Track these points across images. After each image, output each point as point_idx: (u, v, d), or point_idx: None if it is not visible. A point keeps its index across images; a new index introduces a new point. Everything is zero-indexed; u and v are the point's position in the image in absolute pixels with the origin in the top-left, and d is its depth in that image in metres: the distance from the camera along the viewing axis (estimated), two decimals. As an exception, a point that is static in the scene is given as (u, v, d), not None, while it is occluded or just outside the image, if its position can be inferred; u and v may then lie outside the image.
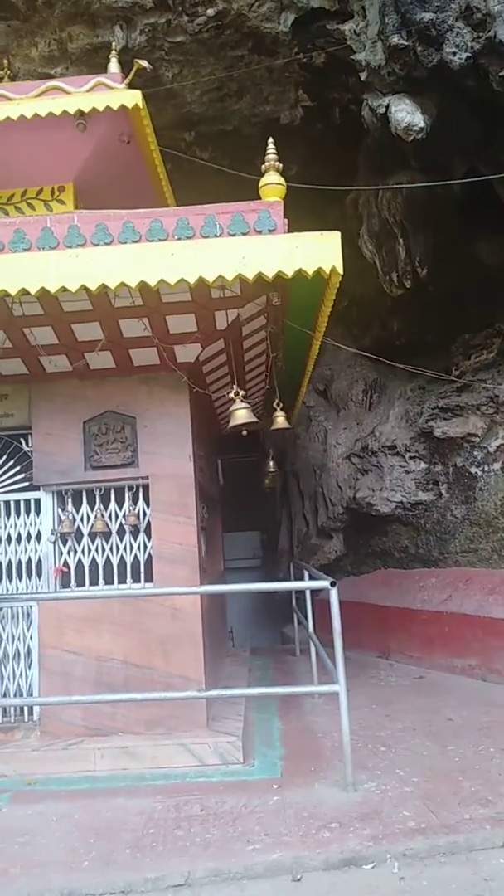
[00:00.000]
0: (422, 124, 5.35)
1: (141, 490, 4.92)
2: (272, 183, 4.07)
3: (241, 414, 4.64)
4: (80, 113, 4.73)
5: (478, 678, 6.28)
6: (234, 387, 4.66)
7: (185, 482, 4.81)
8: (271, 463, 7.11)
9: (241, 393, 4.69)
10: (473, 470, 7.18)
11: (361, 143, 6.88)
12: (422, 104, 5.43)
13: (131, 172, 5.41)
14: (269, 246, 3.73)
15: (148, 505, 4.86)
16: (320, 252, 3.72)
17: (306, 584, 4.12)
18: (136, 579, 4.86)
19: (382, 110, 5.62)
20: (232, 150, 7.60)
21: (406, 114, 5.35)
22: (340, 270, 3.72)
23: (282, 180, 4.10)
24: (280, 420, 4.62)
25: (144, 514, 4.91)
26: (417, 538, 7.89)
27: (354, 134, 6.89)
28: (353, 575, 8.87)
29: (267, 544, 11.54)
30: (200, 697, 4.09)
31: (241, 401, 4.65)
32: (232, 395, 4.69)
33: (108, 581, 4.87)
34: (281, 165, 4.16)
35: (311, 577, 5.69)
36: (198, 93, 7.12)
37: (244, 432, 4.88)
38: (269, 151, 4.15)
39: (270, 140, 4.21)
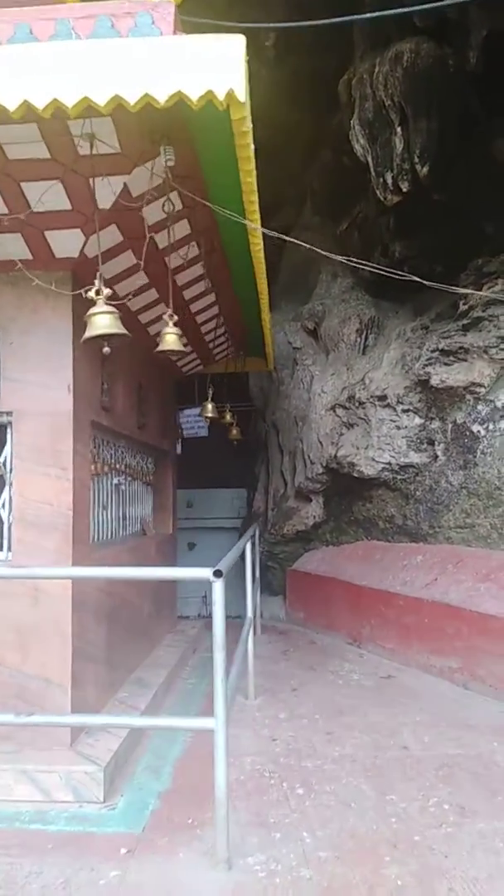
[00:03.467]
0: None
1: (8, 430, 3.71)
2: (162, -26, 2.70)
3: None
4: None
5: (458, 684, 5.07)
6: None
7: (59, 422, 3.59)
8: (210, 406, 5.83)
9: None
10: (476, 428, 5.83)
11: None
12: None
13: None
14: (126, 56, 2.40)
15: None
16: (210, 67, 2.38)
17: (184, 571, 2.94)
18: (-6, 546, 3.71)
19: None
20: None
21: None
22: (242, 97, 2.38)
23: (179, -29, 2.73)
24: (170, 339, 3.36)
25: (9, 462, 3.71)
26: (406, 507, 6.61)
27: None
28: (333, 545, 7.64)
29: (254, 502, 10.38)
30: (17, 724, 2.94)
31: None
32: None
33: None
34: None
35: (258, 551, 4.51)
36: None
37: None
38: None
39: None
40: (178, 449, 10.39)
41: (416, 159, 5.19)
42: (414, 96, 5.09)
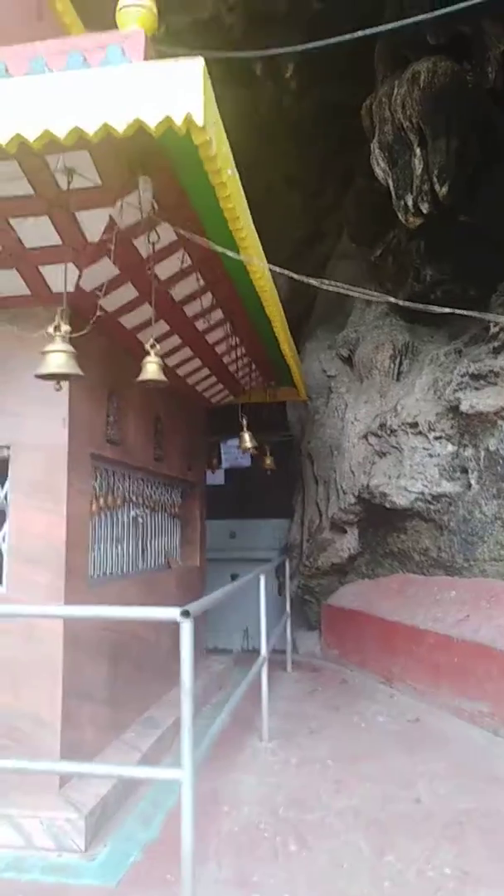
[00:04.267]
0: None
1: (8, 464, 3.72)
2: (131, 5, 2.69)
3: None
4: None
5: (488, 729, 4.74)
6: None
7: (54, 455, 3.57)
8: (247, 436, 5.70)
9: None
10: (509, 456, 5.54)
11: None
12: None
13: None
14: (86, 87, 2.38)
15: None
16: (167, 92, 2.33)
17: (150, 611, 2.81)
18: (-7, 581, 3.69)
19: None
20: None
21: None
22: (200, 120, 2.32)
23: (149, 2, 2.71)
24: (151, 368, 3.27)
25: (9, 496, 3.70)
26: (440, 539, 6.32)
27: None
28: (368, 577, 7.38)
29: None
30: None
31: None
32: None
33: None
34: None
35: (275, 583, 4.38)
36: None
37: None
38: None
39: None
40: (221, 479, 10.38)
41: (435, 179, 5.04)
42: (432, 116, 4.96)
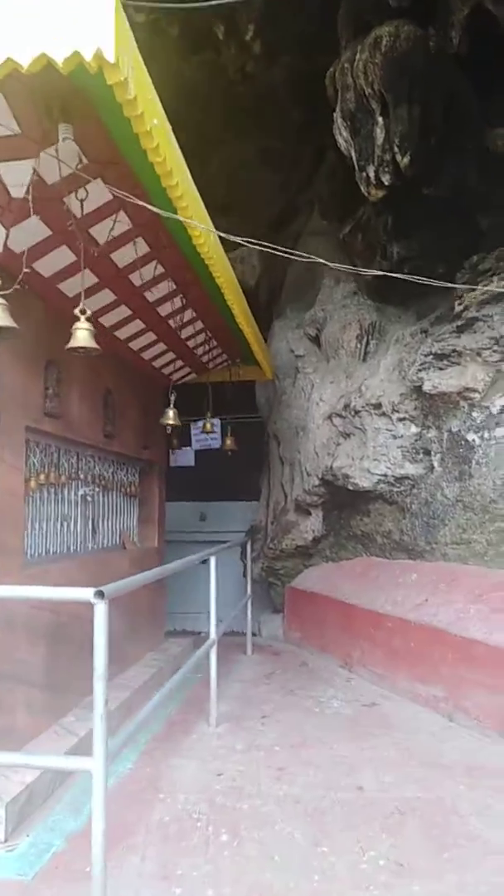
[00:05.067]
0: None
1: None
2: None
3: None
4: None
5: (443, 714, 4.64)
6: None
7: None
8: (171, 412, 5.42)
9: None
10: (470, 437, 5.41)
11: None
12: None
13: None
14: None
15: None
16: (76, 26, 2.13)
17: (60, 591, 2.65)
18: None
19: None
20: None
21: None
22: (111, 56, 2.12)
23: None
24: (81, 335, 3.06)
25: None
26: (402, 521, 6.20)
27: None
28: (332, 560, 7.26)
29: (267, 516, 10.00)
30: None
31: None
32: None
33: None
34: None
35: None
36: None
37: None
38: None
39: None
40: (192, 460, 10.20)
41: (397, 149, 4.86)
42: (394, 82, 4.76)
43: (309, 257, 3.93)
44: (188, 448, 9.97)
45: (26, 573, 3.71)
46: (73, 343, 3.10)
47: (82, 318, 3.09)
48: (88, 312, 3.11)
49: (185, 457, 10.08)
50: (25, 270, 3.06)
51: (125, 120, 2.52)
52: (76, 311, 3.09)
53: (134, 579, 2.73)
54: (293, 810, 3.23)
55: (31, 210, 2.90)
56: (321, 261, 4.01)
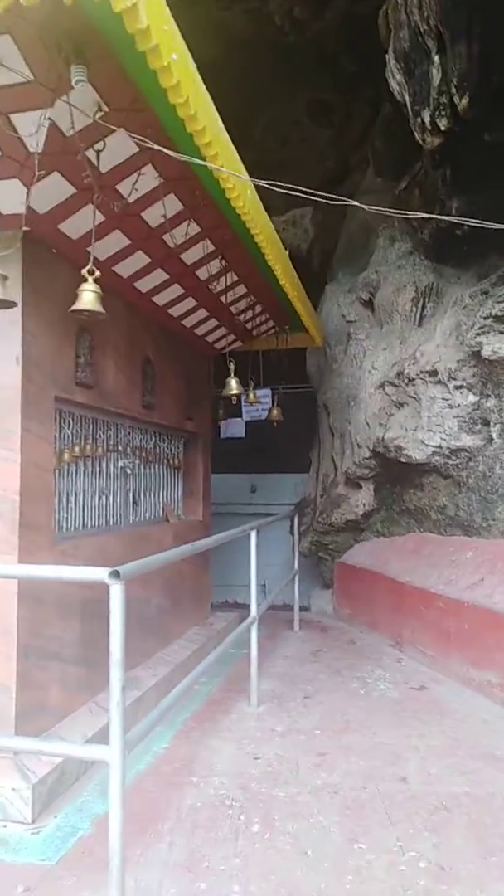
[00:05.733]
0: None
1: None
2: None
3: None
4: None
5: (497, 702, 4.38)
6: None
7: (6, 397, 3.25)
8: (233, 382, 5.21)
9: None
10: (533, 406, 5.02)
11: None
12: None
13: None
14: None
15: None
16: None
17: (73, 571, 2.50)
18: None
19: None
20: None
21: None
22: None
23: None
24: (87, 297, 2.85)
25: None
26: (458, 496, 5.87)
27: None
28: (384, 536, 6.99)
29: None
30: None
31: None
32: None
33: None
34: None
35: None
36: None
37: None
38: None
39: None
40: (242, 432, 10.03)
41: (454, 90, 4.43)
42: (451, 16, 4.33)
43: (354, 204, 3.63)
44: (239, 419, 9.80)
45: (58, 548, 3.61)
46: (78, 305, 2.91)
47: (90, 278, 2.90)
48: (97, 273, 2.92)
49: (235, 428, 9.92)
50: (25, 229, 2.87)
51: (140, 55, 2.29)
52: (83, 272, 2.90)
53: (153, 559, 2.56)
54: (330, 801, 3.06)
55: (49, 165, 2.70)
56: (378, 209, 3.71)
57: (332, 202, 3.38)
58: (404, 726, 4.01)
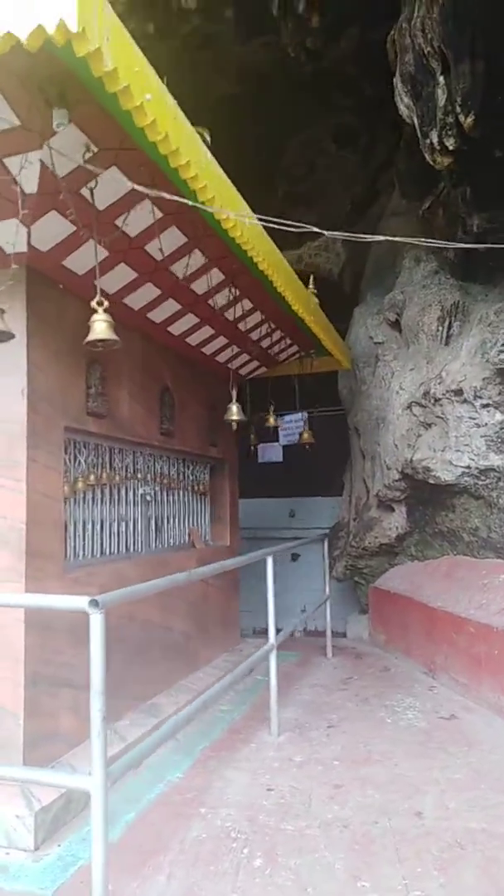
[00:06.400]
0: None
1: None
2: None
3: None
4: None
5: (530, 733, 4.19)
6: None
7: (12, 429, 3.34)
8: (234, 408, 5.00)
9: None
10: None
11: None
12: None
13: None
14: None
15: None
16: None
17: (54, 600, 2.50)
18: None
19: None
20: None
21: None
22: (74, 25, 1.96)
23: None
24: (99, 327, 2.90)
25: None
26: (490, 517, 5.71)
27: None
28: (418, 559, 6.84)
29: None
30: None
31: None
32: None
33: None
34: None
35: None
36: None
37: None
38: None
39: None
40: (280, 456, 10.03)
41: (459, 109, 4.41)
42: (454, 37, 4.33)
43: (361, 238, 3.61)
44: (276, 444, 9.81)
45: (70, 576, 3.66)
46: (92, 336, 2.99)
47: (100, 309, 2.97)
48: (105, 304, 2.99)
49: (273, 452, 9.92)
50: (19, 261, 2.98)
51: (113, 97, 2.37)
52: (93, 304, 2.98)
53: (138, 587, 2.58)
54: (339, 836, 2.97)
55: (45, 205, 2.81)
56: (390, 238, 3.70)
57: (340, 237, 3.39)
58: (427, 757, 3.87)
